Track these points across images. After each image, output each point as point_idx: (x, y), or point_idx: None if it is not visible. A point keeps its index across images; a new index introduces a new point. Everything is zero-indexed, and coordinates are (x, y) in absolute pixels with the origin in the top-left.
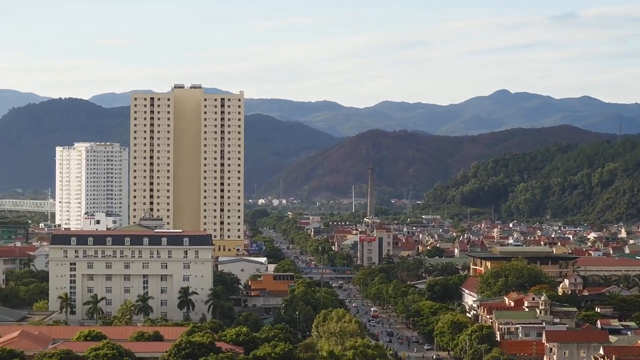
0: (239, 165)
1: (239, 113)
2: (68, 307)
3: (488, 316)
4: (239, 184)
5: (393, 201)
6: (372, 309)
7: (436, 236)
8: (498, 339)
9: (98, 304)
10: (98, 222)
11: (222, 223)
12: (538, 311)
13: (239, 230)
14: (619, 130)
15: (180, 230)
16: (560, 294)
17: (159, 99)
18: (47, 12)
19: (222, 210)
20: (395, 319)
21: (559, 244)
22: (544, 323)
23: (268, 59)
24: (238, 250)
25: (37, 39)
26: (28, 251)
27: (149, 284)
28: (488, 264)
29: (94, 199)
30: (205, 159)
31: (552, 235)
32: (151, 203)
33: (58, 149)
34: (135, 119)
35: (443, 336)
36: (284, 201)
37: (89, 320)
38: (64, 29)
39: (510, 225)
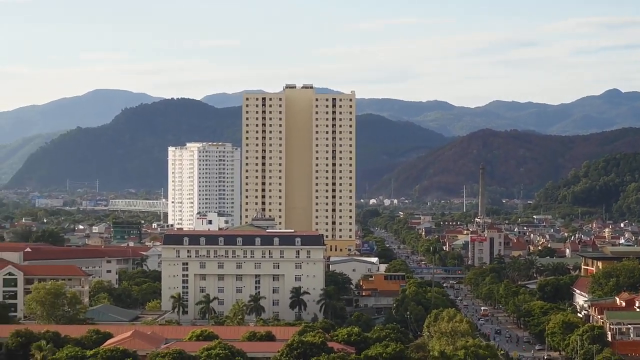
0: (350, 165)
1: (350, 113)
2: (180, 306)
3: (599, 316)
4: (350, 184)
5: (504, 201)
6: (482, 308)
7: (547, 236)
8: (609, 339)
9: (210, 303)
10: (210, 222)
11: (333, 223)
12: None
13: (350, 230)
14: None
15: (292, 231)
16: None
17: (270, 99)
18: (160, 13)
19: (333, 210)
20: (507, 318)
21: None
22: None
23: (379, 58)
24: (349, 250)
25: (150, 40)
26: (141, 251)
27: (261, 283)
28: (599, 264)
29: (206, 199)
30: (316, 158)
31: None
32: (263, 203)
33: (170, 149)
34: (247, 119)
35: (554, 336)
36: (395, 201)
37: (201, 320)
38: (176, 30)
39: (622, 225)
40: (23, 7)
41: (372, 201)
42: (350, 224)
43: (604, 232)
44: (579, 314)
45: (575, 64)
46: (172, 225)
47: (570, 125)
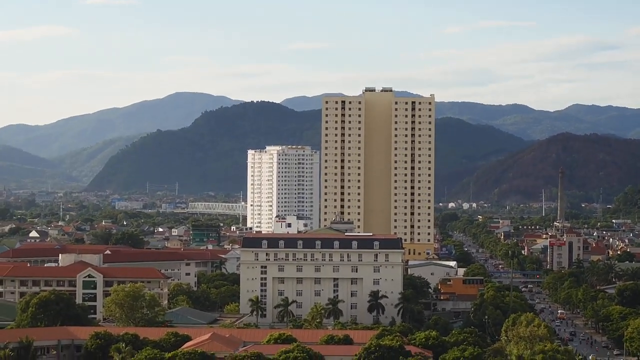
0: (429, 168)
1: (430, 116)
2: (259, 309)
3: None
4: (429, 188)
5: (583, 205)
6: (559, 311)
7: (627, 241)
8: None
9: (288, 306)
10: (289, 225)
11: (412, 227)
12: None
13: (429, 233)
14: None
15: (371, 234)
16: None
17: (350, 102)
18: (240, 17)
19: (412, 213)
20: (585, 323)
21: None
22: None
23: (458, 62)
24: (428, 253)
25: (230, 43)
26: (220, 254)
27: (339, 287)
28: None
29: (285, 202)
30: (395, 162)
31: None
32: (342, 206)
33: (250, 152)
34: (326, 122)
35: (633, 341)
36: (474, 205)
37: (279, 323)
38: (256, 33)
39: None
40: (104, 11)
41: (451, 205)
42: (429, 227)
43: None
44: None
45: None
46: (251, 228)
47: None
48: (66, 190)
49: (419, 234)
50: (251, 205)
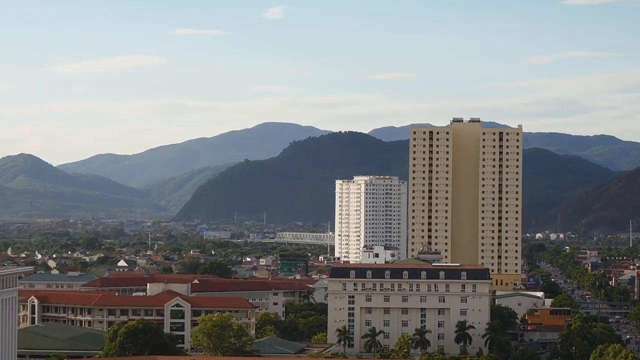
0: (516, 199)
1: (517, 147)
2: (346, 339)
3: None
4: (516, 218)
5: None
6: None
7: None
8: None
9: (376, 337)
10: (377, 255)
11: (499, 257)
12: None
13: (516, 264)
14: None
15: (458, 264)
16: None
17: (437, 133)
18: (328, 47)
19: (499, 244)
20: None
21: None
22: None
23: (545, 93)
24: (515, 284)
25: (318, 73)
26: (307, 284)
27: (426, 317)
28: None
29: (372, 232)
30: (483, 192)
31: None
32: (429, 236)
33: (338, 182)
34: (414, 152)
35: None
36: (561, 235)
37: (366, 353)
38: (344, 64)
39: None
40: (194, 41)
41: (538, 235)
42: (516, 257)
43: None
44: None
45: None
46: (338, 258)
47: None
48: (154, 220)
49: (506, 264)
50: (339, 235)
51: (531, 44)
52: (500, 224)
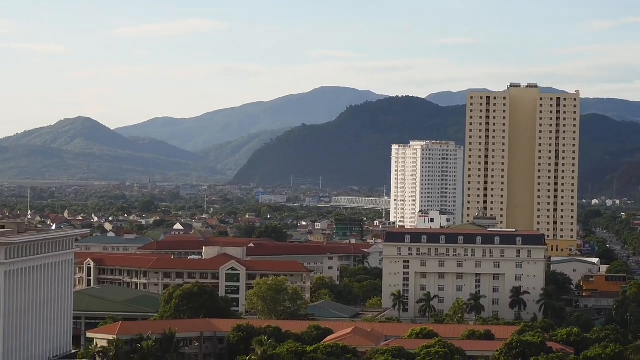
0: (573, 165)
1: (575, 113)
2: (401, 304)
3: None
4: (572, 184)
5: None
6: None
7: None
8: None
9: (430, 301)
10: (432, 220)
11: (555, 223)
12: None
13: (572, 230)
14: None
15: (514, 230)
16: None
17: (494, 98)
18: (386, 11)
19: (555, 210)
20: None
21: None
22: None
23: (604, 58)
24: (571, 250)
25: (375, 38)
26: (362, 248)
27: (481, 282)
28: None
29: (428, 197)
30: (539, 158)
31: None
32: (485, 202)
33: (394, 147)
34: (471, 117)
35: None
36: (617, 201)
37: (421, 318)
38: (401, 28)
39: None
40: (253, 5)
41: (594, 201)
42: (572, 224)
43: None
44: None
45: None
46: (394, 223)
47: None
48: (210, 184)
49: (562, 230)
50: (394, 200)
51: (591, 8)
52: (556, 190)
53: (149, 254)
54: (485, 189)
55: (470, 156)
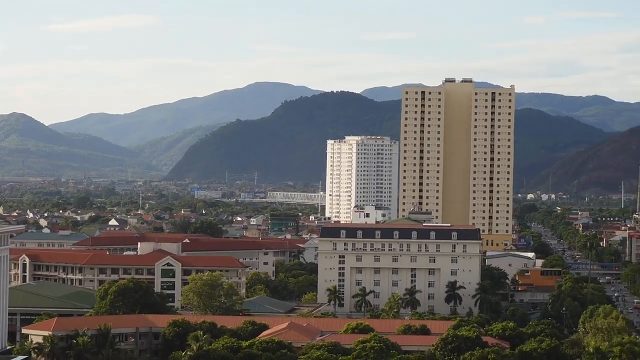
0: (508, 160)
1: (510, 107)
2: (336, 299)
3: None
4: (508, 179)
5: None
6: (635, 301)
7: None
8: None
9: (366, 296)
10: (367, 215)
11: (490, 217)
12: None
13: (507, 225)
14: None
15: (449, 225)
16: None
17: (429, 93)
18: (321, 7)
19: (490, 204)
20: None
21: None
22: None
23: (538, 53)
24: (506, 244)
25: (311, 33)
26: (298, 243)
27: (416, 277)
28: None
29: (363, 192)
30: (474, 153)
31: None
32: (420, 197)
33: (329, 142)
34: (406, 112)
35: None
36: (552, 196)
37: (356, 313)
38: (336, 23)
39: None
40: (188, 2)
41: (530, 196)
42: (507, 218)
43: None
44: None
45: None
46: (329, 218)
47: None
48: (146, 179)
49: (497, 224)
50: (330, 195)
51: (525, 3)
52: (491, 185)
53: (84, 250)
54: (421, 183)
55: (405, 151)
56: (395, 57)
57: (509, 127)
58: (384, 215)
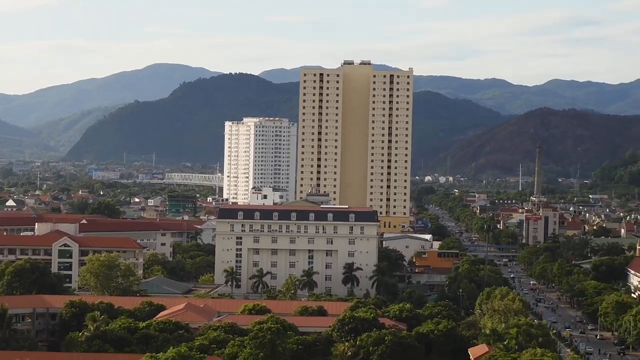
0: (406, 142)
1: (408, 90)
2: (233, 280)
3: None
4: (405, 161)
5: (560, 180)
6: (531, 282)
7: (603, 216)
8: None
9: (263, 278)
10: (265, 197)
11: (388, 200)
12: None
13: (404, 207)
14: None
15: (347, 206)
16: None
17: (328, 75)
18: None
19: (388, 187)
20: (559, 297)
21: None
22: None
23: (437, 36)
24: (403, 227)
25: (210, 15)
26: (195, 225)
27: (314, 259)
28: None
29: (261, 173)
30: (372, 135)
31: None
32: (318, 179)
33: (227, 124)
34: (304, 94)
35: (607, 316)
36: (450, 178)
37: (253, 294)
38: (236, 5)
39: None
40: None
41: (428, 178)
42: (405, 200)
43: None
44: (633, 295)
45: (637, 44)
46: (227, 200)
47: (629, 105)
48: (43, 160)
49: (394, 207)
50: (228, 176)
51: None
52: (389, 167)
53: None
54: (319, 165)
55: (303, 133)
56: (294, 40)
57: (407, 109)
58: (281, 197)
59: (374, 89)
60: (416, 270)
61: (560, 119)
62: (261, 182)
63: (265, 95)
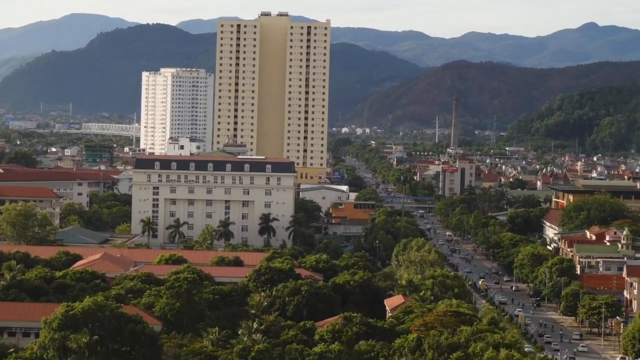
0: (323, 93)
1: (325, 42)
2: (150, 230)
3: (569, 249)
4: (323, 112)
5: (477, 132)
6: (446, 233)
7: (519, 168)
8: (578, 272)
9: (180, 228)
10: (182, 147)
11: (305, 151)
12: (620, 245)
13: (321, 158)
14: None
15: (263, 157)
16: None
17: (245, 26)
18: None
19: (305, 138)
20: (475, 249)
21: None
22: (625, 257)
23: None
24: (320, 178)
25: None
26: (112, 175)
27: (230, 209)
28: (570, 197)
29: (178, 124)
30: (290, 86)
31: (637, 170)
32: (235, 129)
33: (144, 74)
34: (221, 45)
35: (523, 268)
36: (367, 130)
37: (170, 244)
38: None
39: (594, 159)
40: None
41: (345, 130)
42: (322, 152)
43: (577, 165)
44: (548, 247)
45: None
46: (144, 150)
47: (546, 58)
48: None
49: (311, 158)
50: (145, 127)
51: None
52: (306, 118)
53: None
54: (236, 116)
55: (220, 84)
56: None
57: (325, 61)
58: (198, 148)
59: (291, 40)
60: (333, 222)
61: (477, 72)
62: (178, 132)
63: (183, 46)
